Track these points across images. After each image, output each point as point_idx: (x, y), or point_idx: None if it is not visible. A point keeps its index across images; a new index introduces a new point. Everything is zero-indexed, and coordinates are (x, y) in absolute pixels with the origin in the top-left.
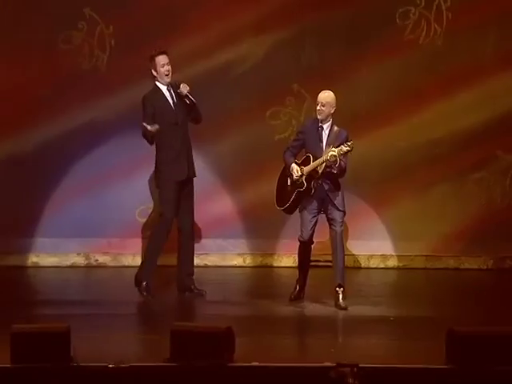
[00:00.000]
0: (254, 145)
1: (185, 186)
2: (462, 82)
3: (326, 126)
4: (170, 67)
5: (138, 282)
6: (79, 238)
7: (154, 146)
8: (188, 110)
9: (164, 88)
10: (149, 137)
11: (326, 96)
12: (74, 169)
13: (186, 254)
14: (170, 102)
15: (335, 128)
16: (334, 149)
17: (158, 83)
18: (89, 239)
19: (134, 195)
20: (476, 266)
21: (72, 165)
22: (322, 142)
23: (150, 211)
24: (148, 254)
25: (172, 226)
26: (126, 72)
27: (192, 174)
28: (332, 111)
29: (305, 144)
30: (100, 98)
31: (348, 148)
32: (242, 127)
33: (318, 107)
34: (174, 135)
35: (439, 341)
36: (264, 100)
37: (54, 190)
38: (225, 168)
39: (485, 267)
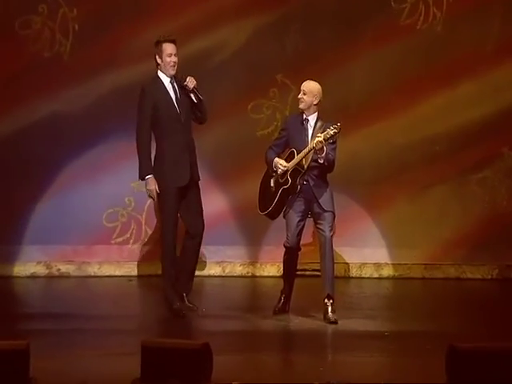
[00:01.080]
0: (233, 142)
1: (189, 191)
2: (463, 72)
3: (312, 119)
4: (176, 59)
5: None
6: (39, 245)
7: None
8: (191, 107)
9: (167, 80)
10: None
11: (308, 84)
12: (32, 169)
13: (188, 267)
14: (173, 96)
15: (320, 122)
16: (319, 134)
17: (160, 73)
18: (50, 246)
19: (101, 198)
20: (479, 276)
21: (30, 164)
22: (306, 136)
23: (118, 215)
24: (163, 266)
25: (176, 230)
26: (91, 60)
27: (196, 177)
28: (315, 102)
29: (289, 141)
30: (62, 88)
31: (335, 130)
32: (220, 122)
33: (300, 95)
34: (177, 135)
35: (439, 358)
36: (245, 92)
37: (10, 193)
38: (201, 168)
39: (489, 277)
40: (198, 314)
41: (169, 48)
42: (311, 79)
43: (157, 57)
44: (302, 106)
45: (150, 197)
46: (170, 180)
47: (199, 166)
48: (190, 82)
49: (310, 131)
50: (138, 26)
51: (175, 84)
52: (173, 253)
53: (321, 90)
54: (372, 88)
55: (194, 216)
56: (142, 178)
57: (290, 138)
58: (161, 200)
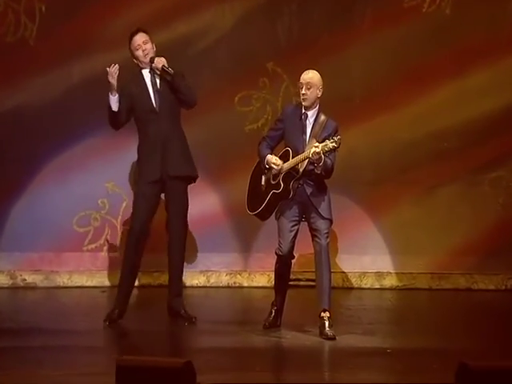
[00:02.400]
0: (218, 138)
1: (169, 187)
2: (475, 59)
3: (311, 114)
4: (147, 46)
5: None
6: (2, 252)
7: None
8: (173, 93)
9: (146, 71)
10: (110, 110)
11: (312, 77)
12: None
13: (174, 270)
14: (149, 86)
15: (322, 117)
16: (317, 144)
17: (141, 66)
18: (14, 254)
19: (71, 199)
20: (492, 286)
21: None
22: (304, 134)
23: (90, 219)
24: (120, 273)
25: (144, 233)
26: (60, 46)
27: (174, 171)
28: (319, 95)
29: (284, 135)
30: (28, 78)
31: (334, 144)
32: (203, 116)
33: (303, 91)
34: (150, 126)
35: (447, 377)
36: (232, 82)
37: None
38: None
39: (503, 287)
40: (179, 328)
41: (136, 39)
42: (309, 69)
43: (133, 58)
44: (306, 103)
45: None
46: (141, 174)
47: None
48: (158, 62)
49: (309, 129)
50: (113, 7)
51: (154, 73)
52: (132, 254)
53: (321, 79)
54: (373, 78)
55: (171, 215)
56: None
57: (286, 132)
58: (134, 195)
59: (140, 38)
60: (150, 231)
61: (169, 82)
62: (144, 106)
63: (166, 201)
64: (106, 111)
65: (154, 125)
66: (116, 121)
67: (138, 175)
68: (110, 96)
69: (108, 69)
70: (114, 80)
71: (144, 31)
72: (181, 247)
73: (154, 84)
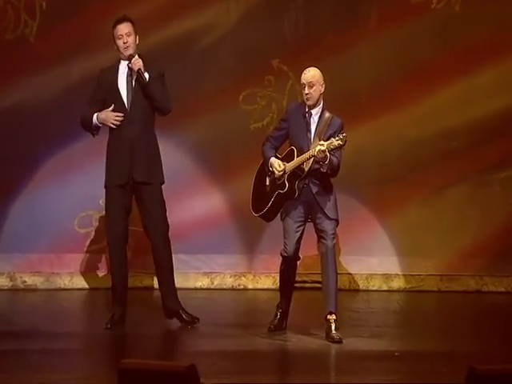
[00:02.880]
0: (223, 136)
1: (138, 192)
2: (484, 57)
3: (316, 112)
4: (129, 38)
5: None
6: (1, 253)
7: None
8: (146, 94)
9: (123, 65)
10: (90, 125)
11: (313, 74)
12: None
13: (163, 272)
14: (123, 82)
15: (327, 114)
16: (322, 142)
17: (120, 58)
18: (14, 255)
19: (72, 200)
20: (502, 289)
21: None
22: (309, 132)
23: (92, 220)
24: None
25: (122, 235)
26: (61, 43)
27: (140, 177)
28: (322, 91)
29: (289, 134)
30: (28, 75)
31: (340, 142)
32: (207, 114)
33: (306, 90)
34: (120, 127)
35: (457, 381)
36: (237, 80)
37: None
38: (185, 166)
39: None
40: (182, 331)
41: (119, 29)
42: (311, 66)
43: (114, 44)
44: (310, 102)
45: (111, 123)
46: (110, 177)
47: (180, 166)
48: (135, 64)
49: (313, 126)
50: (114, 4)
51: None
52: (112, 258)
53: (322, 75)
54: (380, 75)
55: (149, 222)
56: (93, 125)
57: (290, 131)
58: (105, 198)
59: (124, 28)
60: (129, 232)
61: (141, 83)
62: (115, 105)
63: (140, 206)
64: (80, 120)
65: (124, 126)
66: (91, 133)
67: (106, 178)
68: (95, 122)
69: (114, 116)
70: (112, 126)
71: (130, 21)
72: (166, 248)
73: (128, 81)
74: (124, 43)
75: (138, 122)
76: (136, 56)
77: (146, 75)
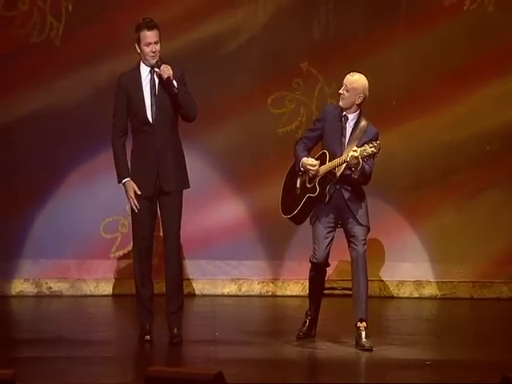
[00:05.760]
0: (251, 141)
1: (163, 202)
2: None
3: (352, 117)
4: (158, 47)
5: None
6: (27, 259)
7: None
8: (174, 102)
9: (146, 71)
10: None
11: (355, 80)
12: (18, 172)
13: (170, 286)
14: (147, 91)
15: (363, 121)
16: (356, 148)
17: (141, 62)
18: (39, 261)
19: (99, 205)
20: None
21: (17, 166)
22: (344, 137)
23: (118, 225)
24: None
25: (150, 248)
26: (87, 45)
27: (169, 187)
28: (358, 101)
29: (322, 136)
30: (54, 79)
31: (373, 149)
32: (235, 118)
33: (341, 91)
34: (144, 137)
35: None
36: (265, 83)
37: None
38: (212, 171)
39: None
40: (209, 338)
41: (148, 36)
42: (352, 71)
43: (136, 45)
44: (341, 103)
45: (135, 205)
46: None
47: (208, 170)
48: (164, 72)
49: (349, 131)
50: (141, 6)
51: (155, 76)
52: (139, 267)
53: (367, 85)
54: (412, 78)
55: (164, 229)
56: (118, 182)
57: (324, 133)
58: (131, 208)
59: (153, 37)
60: (153, 243)
61: (169, 92)
62: (139, 114)
63: (161, 213)
64: (113, 151)
65: (148, 136)
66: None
67: None
68: (118, 178)
69: (133, 199)
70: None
71: (158, 28)
72: (177, 259)
73: (152, 87)
74: (153, 52)
75: (163, 131)
76: (163, 65)
77: (175, 83)
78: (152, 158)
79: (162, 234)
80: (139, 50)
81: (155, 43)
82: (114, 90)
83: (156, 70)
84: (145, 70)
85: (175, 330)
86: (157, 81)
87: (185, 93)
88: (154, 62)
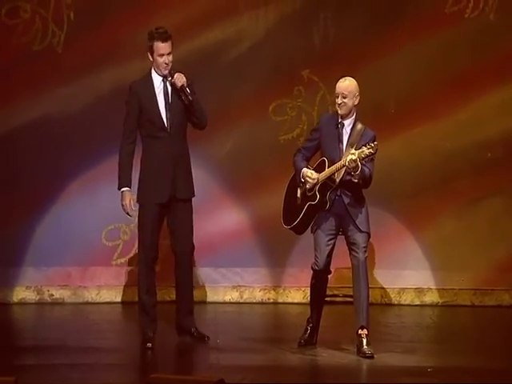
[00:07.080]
0: (252, 148)
1: (175, 209)
2: None
3: (348, 123)
4: (171, 57)
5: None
6: (29, 266)
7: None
8: (186, 111)
9: (158, 80)
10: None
11: (348, 85)
12: (21, 179)
13: (184, 288)
14: (161, 99)
15: (359, 125)
16: (353, 151)
17: (153, 70)
18: (41, 268)
19: (100, 212)
20: None
21: (18, 174)
22: (341, 143)
23: (120, 232)
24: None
25: (156, 256)
26: (89, 53)
27: (182, 194)
28: (356, 102)
29: (320, 145)
30: (56, 87)
31: (371, 150)
32: (236, 126)
33: (339, 100)
34: (160, 145)
35: None
36: (266, 90)
37: None
38: (214, 179)
39: None
40: (211, 345)
41: (162, 48)
42: (348, 76)
43: (148, 54)
44: (343, 111)
45: (127, 213)
46: (147, 195)
47: (210, 178)
48: (178, 80)
49: (345, 137)
50: (142, 14)
51: (168, 84)
52: (145, 275)
53: (358, 86)
54: (413, 86)
55: (178, 237)
56: (118, 188)
57: (322, 141)
58: (139, 215)
59: (167, 48)
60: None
61: (182, 100)
62: (154, 122)
63: (172, 221)
64: (118, 160)
65: (164, 143)
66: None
67: (141, 195)
68: (119, 185)
69: (127, 203)
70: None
71: (172, 39)
72: (190, 265)
73: (165, 95)
74: (166, 63)
75: (177, 139)
76: (177, 73)
77: (188, 90)
78: (169, 165)
79: (164, 242)
80: (151, 59)
81: (168, 54)
82: (126, 98)
83: (169, 79)
84: (157, 79)
85: (194, 330)
86: (169, 89)
87: (198, 104)
88: (166, 72)
